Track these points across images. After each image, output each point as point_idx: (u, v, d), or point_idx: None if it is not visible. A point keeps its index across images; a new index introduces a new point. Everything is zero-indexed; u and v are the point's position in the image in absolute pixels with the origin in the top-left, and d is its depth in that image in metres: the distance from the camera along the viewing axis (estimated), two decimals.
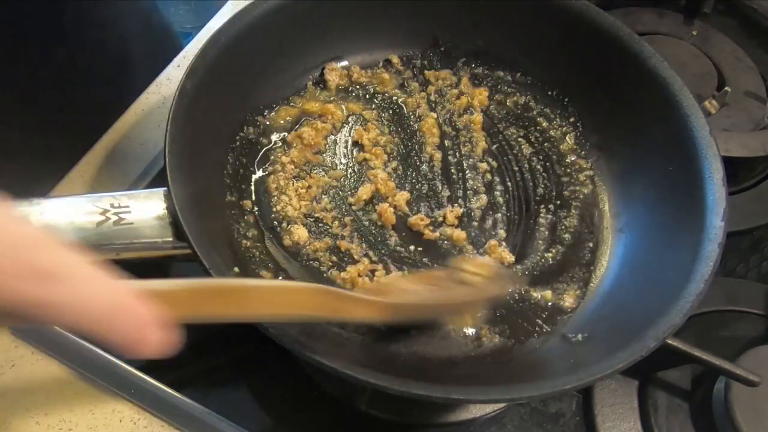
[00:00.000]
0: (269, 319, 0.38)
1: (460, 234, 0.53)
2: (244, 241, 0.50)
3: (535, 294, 0.51)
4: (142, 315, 0.28)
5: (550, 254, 0.53)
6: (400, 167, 0.57)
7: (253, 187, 0.53)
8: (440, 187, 0.56)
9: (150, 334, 0.28)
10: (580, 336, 0.47)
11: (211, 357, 0.52)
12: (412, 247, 0.52)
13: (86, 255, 0.26)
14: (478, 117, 0.60)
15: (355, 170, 0.56)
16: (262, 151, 0.55)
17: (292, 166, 0.55)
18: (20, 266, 0.24)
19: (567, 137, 0.60)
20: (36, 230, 0.24)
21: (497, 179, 0.57)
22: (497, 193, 0.56)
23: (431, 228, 0.53)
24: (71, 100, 0.67)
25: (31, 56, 0.62)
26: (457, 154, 0.58)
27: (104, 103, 0.64)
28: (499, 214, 0.55)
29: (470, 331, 0.48)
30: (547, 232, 0.55)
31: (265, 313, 0.35)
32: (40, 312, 0.25)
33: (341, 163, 0.56)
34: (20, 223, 0.24)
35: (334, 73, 0.60)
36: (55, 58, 0.63)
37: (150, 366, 0.49)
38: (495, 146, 0.59)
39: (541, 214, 0.56)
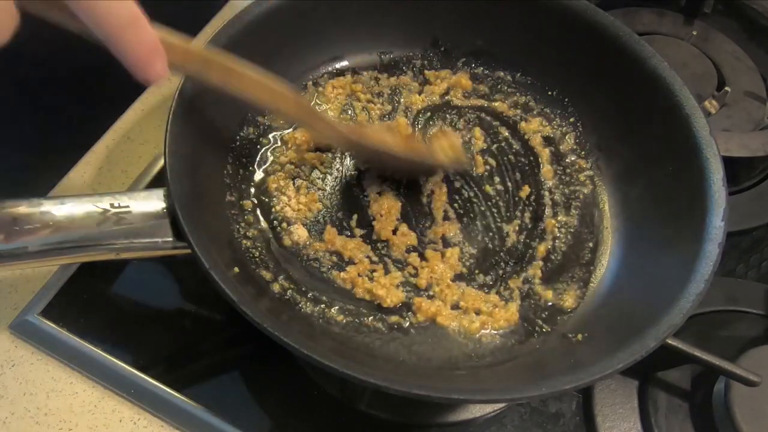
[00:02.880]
0: (245, 98, 0.45)
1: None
2: (244, 241, 0.50)
3: (535, 294, 0.51)
4: (155, 40, 0.33)
5: (550, 254, 0.53)
6: None
7: (253, 187, 0.53)
8: None
9: (158, 57, 0.33)
10: (580, 336, 0.47)
11: (211, 357, 0.52)
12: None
13: None
14: None
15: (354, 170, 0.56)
16: (262, 151, 0.55)
17: (292, 166, 0.55)
18: None
19: (567, 137, 0.60)
20: None
21: (497, 179, 0.57)
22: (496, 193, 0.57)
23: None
24: (71, 100, 0.67)
25: (33, 55, 0.62)
26: None
27: (105, 103, 0.64)
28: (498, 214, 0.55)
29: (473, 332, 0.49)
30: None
31: (244, 93, 0.44)
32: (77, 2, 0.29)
33: (340, 162, 0.56)
34: None
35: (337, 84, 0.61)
36: (57, 56, 0.63)
37: (150, 366, 0.49)
38: (495, 146, 0.59)
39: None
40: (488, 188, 0.57)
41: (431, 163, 0.54)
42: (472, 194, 0.56)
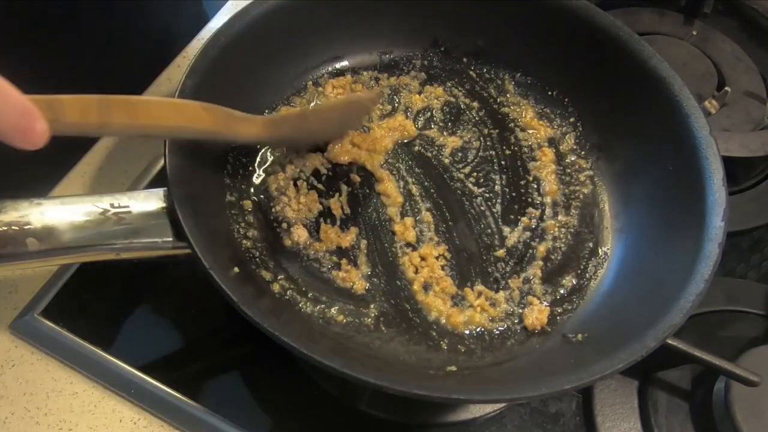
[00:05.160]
0: (158, 130, 0.39)
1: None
2: (244, 241, 0.50)
3: (535, 294, 0.51)
4: (23, 101, 0.28)
5: (550, 254, 0.53)
6: None
7: (253, 187, 0.53)
8: None
9: (33, 118, 0.29)
10: (580, 336, 0.47)
11: (211, 357, 0.52)
12: None
13: None
14: None
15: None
16: (262, 151, 0.55)
17: (292, 167, 0.55)
18: None
19: (567, 137, 0.60)
20: None
21: (497, 179, 0.57)
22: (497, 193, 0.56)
23: None
24: None
25: (34, 55, 0.62)
26: None
27: None
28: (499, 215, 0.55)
29: (475, 330, 0.49)
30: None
31: (153, 123, 0.37)
32: None
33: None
34: None
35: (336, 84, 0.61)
36: (60, 54, 0.63)
37: (150, 366, 0.49)
38: (495, 146, 0.59)
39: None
40: (488, 188, 0.57)
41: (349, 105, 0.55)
42: (472, 194, 0.56)
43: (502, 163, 0.58)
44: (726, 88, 0.66)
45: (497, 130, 0.60)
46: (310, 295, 0.48)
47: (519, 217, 0.55)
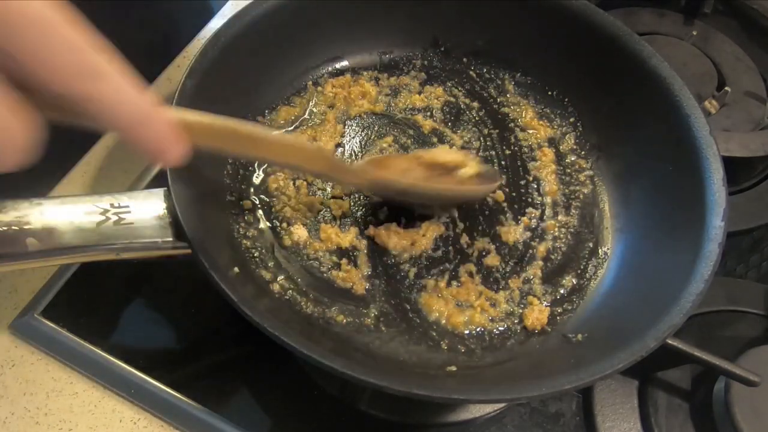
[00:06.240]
0: (272, 162, 0.49)
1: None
2: (244, 241, 0.50)
3: (535, 294, 0.51)
4: (169, 129, 0.32)
5: (550, 254, 0.53)
6: None
7: (253, 187, 0.53)
8: None
9: (173, 145, 0.33)
10: (580, 336, 0.47)
11: (211, 357, 0.52)
12: None
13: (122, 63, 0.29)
14: None
15: None
16: None
17: None
18: (76, 65, 0.27)
19: (567, 137, 0.60)
20: (83, 32, 0.27)
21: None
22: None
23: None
24: None
25: None
26: None
27: None
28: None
29: (475, 329, 0.49)
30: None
31: (270, 158, 0.45)
32: (88, 106, 0.29)
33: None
34: (72, 25, 0.27)
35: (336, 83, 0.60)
36: None
37: (150, 366, 0.49)
38: (494, 146, 0.59)
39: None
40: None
41: (462, 193, 0.53)
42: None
43: (502, 163, 0.58)
44: (726, 88, 0.66)
45: (497, 130, 0.60)
46: (310, 295, 0.48)
47: (519, 217, 0.55)
